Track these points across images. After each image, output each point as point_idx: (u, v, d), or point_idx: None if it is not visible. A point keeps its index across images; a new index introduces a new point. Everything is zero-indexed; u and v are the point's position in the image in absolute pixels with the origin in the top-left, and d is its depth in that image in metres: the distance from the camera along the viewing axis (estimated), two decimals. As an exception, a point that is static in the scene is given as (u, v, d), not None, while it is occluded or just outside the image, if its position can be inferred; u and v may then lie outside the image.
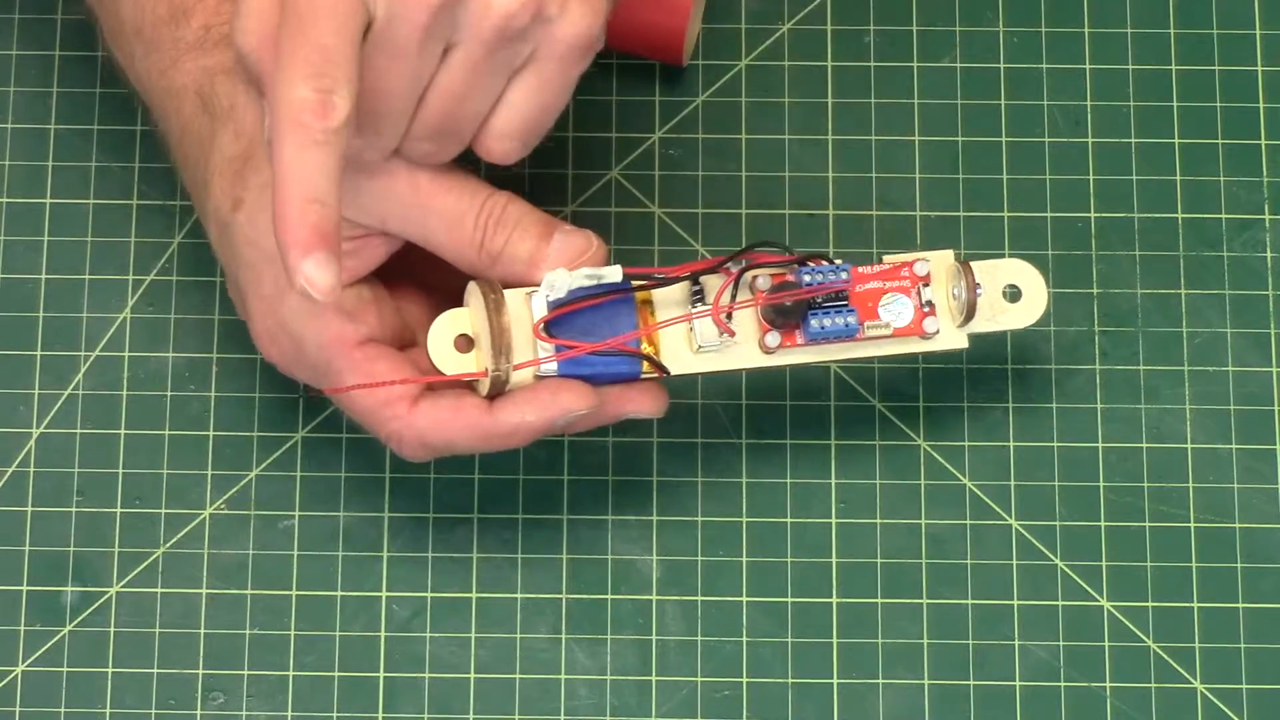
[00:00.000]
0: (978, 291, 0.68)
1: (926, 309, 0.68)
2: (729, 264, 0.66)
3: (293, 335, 0.65)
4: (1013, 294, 0.70)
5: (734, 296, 0.66)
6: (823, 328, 0.66)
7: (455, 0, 0.59)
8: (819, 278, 0.66)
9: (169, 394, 0.75)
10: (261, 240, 0.64)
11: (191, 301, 0.76)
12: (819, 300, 0.67)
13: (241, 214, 0.64)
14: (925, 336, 0.68)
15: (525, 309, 0.65)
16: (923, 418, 0.74)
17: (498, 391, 0.65)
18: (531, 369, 0.65)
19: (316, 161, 0.57)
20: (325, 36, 0.57)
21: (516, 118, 0.63)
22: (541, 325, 0.64)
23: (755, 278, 0.67)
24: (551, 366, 0.65)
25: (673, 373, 0.66)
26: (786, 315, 0.66)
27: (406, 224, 0.64)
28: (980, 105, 0.77)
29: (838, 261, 0.67)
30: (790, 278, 0.67)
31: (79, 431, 0.74)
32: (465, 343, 0.66)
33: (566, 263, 0.65)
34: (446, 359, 0.65)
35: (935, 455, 0.74)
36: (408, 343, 0.67)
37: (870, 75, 0.77)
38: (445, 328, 0.66)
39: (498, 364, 0.64)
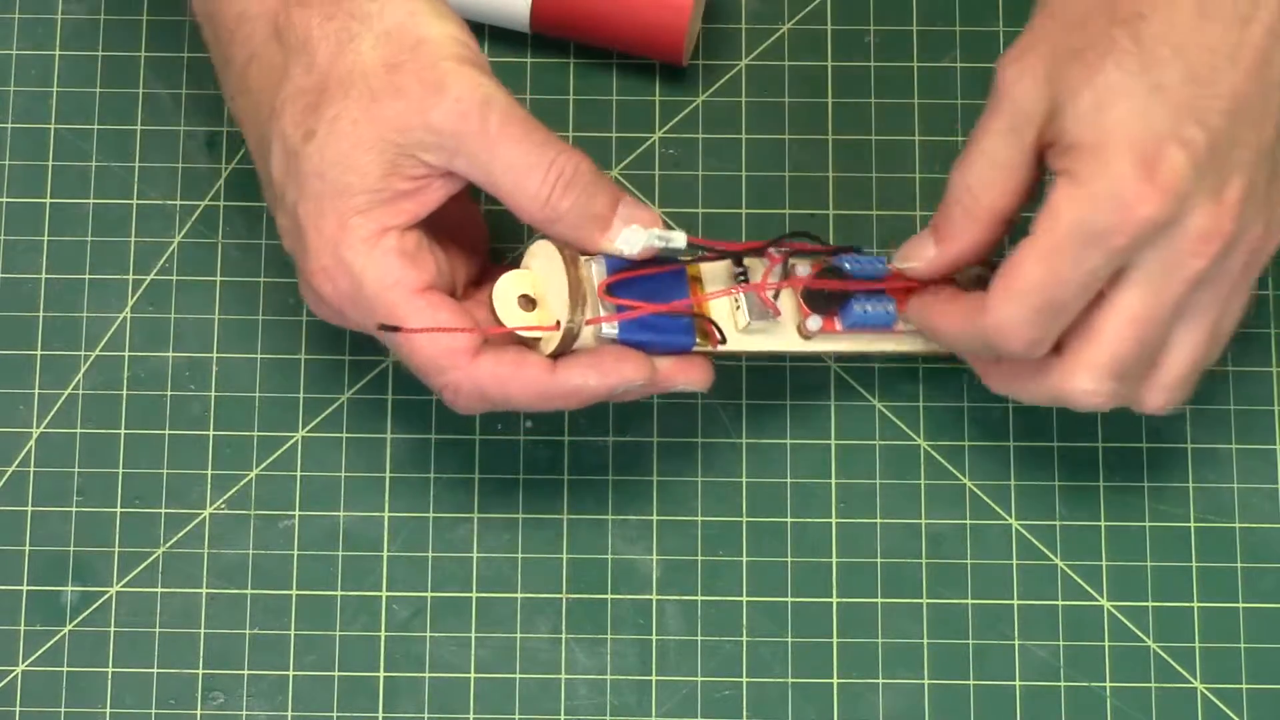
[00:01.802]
0: None
1: None
2: (772, 249, 0.68)
3: (352, 275, 0.64)
4: None
5: (780, 279, 0.68)
6: (865, 312, 0.68)
7: (1168, 222, 0.60)
8: (859, 268, 0.68)
9: (169, 394, 0.75)
10: (329, 173, 0.64)
11: (191, 301, 0.76)
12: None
13: (312, 145, 0.64)
14: None
15: (589, 272, 0.66)
16: (923, 418, 0.74)
17: (565, 347, 0.65)
18: (592, 330, 0.65)
19: None
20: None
21: (1185, 363, 0.63)
22: (604, 287, 0.65)
23: (795, 265, 0.68)
24: (613, 331, 0.65)
25: (727, 343, 0.67)
26: (829, 299, 0.68)
27: (474, 166, 0.64)
28: (980, 105, 0.77)
29: (873, 252, 0.68)
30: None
31: (79, 431, 0.74)
32: (527, 303, 0.66)
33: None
34: (510, 316, 0.66)
35: (935, 455, 0.74)
36: (453, 296, 0.67)
37: (870, 75, 0.77)
38: (509, 286, 0.66)
39: (573, 316, 0.65)
